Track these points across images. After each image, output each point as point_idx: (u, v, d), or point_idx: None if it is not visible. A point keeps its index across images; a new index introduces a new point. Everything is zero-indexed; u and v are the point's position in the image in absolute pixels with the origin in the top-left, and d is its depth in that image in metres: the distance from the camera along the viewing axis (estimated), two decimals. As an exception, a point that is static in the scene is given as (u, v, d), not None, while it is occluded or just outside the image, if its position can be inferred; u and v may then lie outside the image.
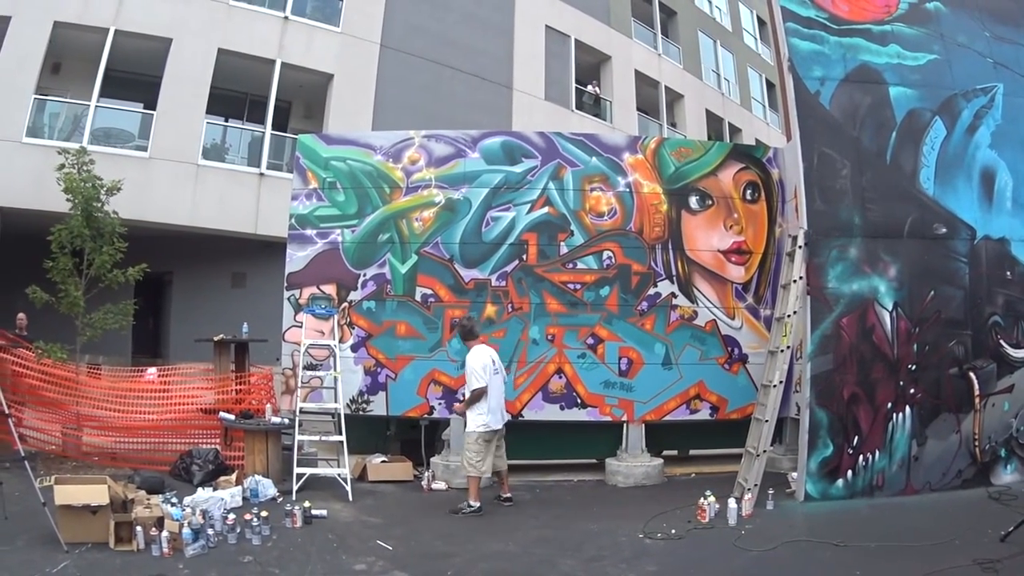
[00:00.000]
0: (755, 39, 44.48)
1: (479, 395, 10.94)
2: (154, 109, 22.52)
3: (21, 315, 15.95)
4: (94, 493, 8.86)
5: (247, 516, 9.41)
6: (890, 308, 11.84)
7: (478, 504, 10.81)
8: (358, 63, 25.71)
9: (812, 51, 12.27)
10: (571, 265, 13.30)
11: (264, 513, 9.51)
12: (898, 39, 12.49)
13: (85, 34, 21.58)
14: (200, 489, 10.94)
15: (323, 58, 25.19)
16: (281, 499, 11.16)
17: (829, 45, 12.33)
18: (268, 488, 11.45)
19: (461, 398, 12.30)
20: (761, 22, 43.11)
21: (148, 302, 20.02)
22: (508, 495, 11.51)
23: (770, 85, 42.37)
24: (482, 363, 11.10)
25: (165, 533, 8.61)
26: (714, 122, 38.04)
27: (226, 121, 25.33)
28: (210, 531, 8.99)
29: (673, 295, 13.37)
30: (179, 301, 24.56)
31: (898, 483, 11.66)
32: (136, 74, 23.09)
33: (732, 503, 10.49)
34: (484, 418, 11.00)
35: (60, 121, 22.42)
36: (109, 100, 22.69)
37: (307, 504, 10.17)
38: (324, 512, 10.41)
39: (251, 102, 25.59)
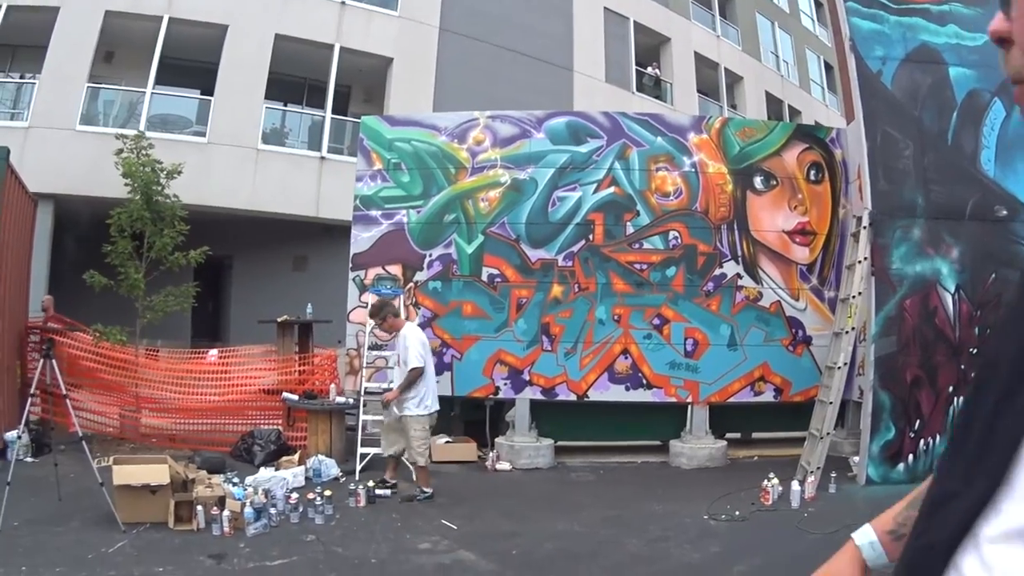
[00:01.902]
0: (812, 20, 43.97)
1: (416, 376, 10.61)
2: (211, 95, 22.69)
3: (46, 297, 16.15)
4: (155, 473, 8.97)
5: (310, 495, 9.52)
6: (952, 290, 11.74)
7: (431, 490, 10.63)
8: (417, 46, 25.71)
9: (872, 31, 12.13)
10: (637, 245, 13.28)
11: (327, 492, 9.62)
12: (956, 19, 12.30)
13: (138, 22, 21.72)
14: (262, 469, 11.09)
15: (382, 42, 25.20)
16: (344, 479, 11.26)
17: (889, 24, 12.19)
18: (331, 468, 11.56)
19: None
20: (818, 3, 42.55)
21: (208, 286, 20.15)
22: (395, 481, 11.07)
23: (828, 67, 41.88)
24: (421, 340, 10.89)
25: (226, 512, 8.70)
26: (773, 104, 37.69)
27: (285, 106, 25.42)
28: (272, 510, 9.12)
29: (738, 276, 13.34)
30: (239, 284, 24.75)
31: (958, 468, 11.55)
32: (192, 61, 23.19)
33: (795, 486, 10.49)
34: (428, 401, 10.79)
35: (115, 109, 22.66)
36: (165, 87, 22.86)
37: (371, 483, 10.29)
38: (387, 492, 10.52)
39: (310, 87, 25.66)
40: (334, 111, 24.64)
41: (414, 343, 10.61)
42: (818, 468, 11.10)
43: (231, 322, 24.37)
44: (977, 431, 1.13)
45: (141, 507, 8.81)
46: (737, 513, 9.87)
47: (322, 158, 23.86)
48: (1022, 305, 1.17)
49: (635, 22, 31.92)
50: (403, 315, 12.07)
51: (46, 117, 20.41)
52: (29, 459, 11.57)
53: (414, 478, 10.90)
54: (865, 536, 1.72)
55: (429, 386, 10.81)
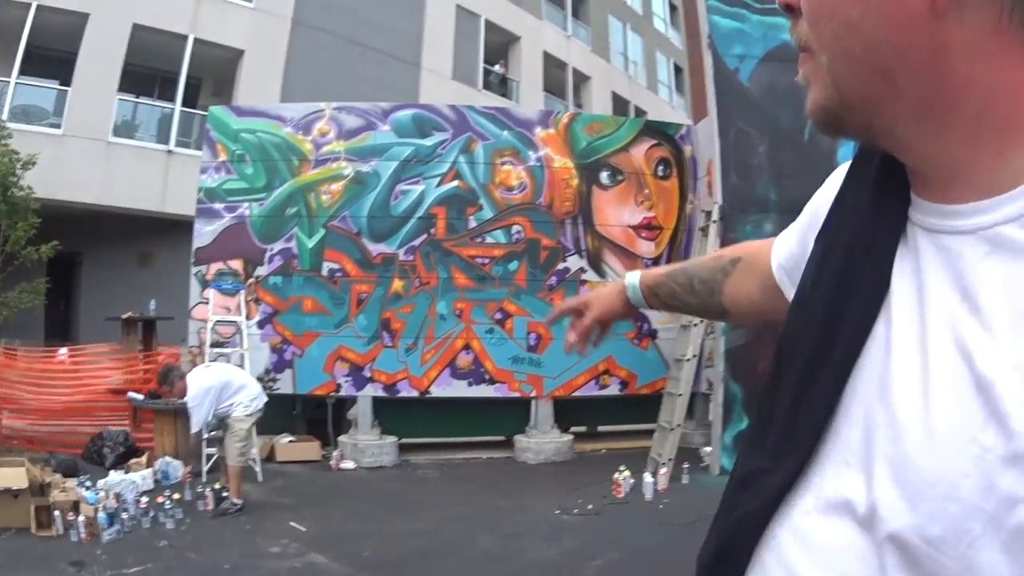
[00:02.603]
0: (665, 23, 44.70)
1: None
2: (70, 86, 21.95)
3: None
4: (13, 476, 8.70)
5: (160, 499, 9.22)
6: (809, 281, 11.87)
7: (241, 501, 9.93)
8: (269, 39, 25.25)
9: (733, 29, 12.23)
10: (479, 239, 13.21)
11: (176, 496, 9.40)
12: None
13: (6, 9, 20.90)
14: (112, 472, 10.68)
15: (235, 34, 24.66)
16: (192, 481, 10.88)
17: (751, 23, 12.29)
18: (178, 470, 11.17)
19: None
20: (672, 7, 43.30)
21: (59, 284, 19.60)
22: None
23: (678, 69, 42.58)
24: (200, 389, 9.81)
25: (81, 518, 8.42)
26: (620, 104, 38.11)
27: (137, 98, 24.72)
28: (124, 515, 8.83)
29: (582, 270, 13.36)
30: (89, 282, 23.98)
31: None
32: (55, 50, 22.34)
33: (648, 478, 10.50)
34: (245, 401, 10.08)
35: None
36: (28, 78, 22.06)
37: (218, 486, 9.95)
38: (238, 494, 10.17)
39: (162, 79, 24.94)
40: (184, 104, 24.07)
41: (190, 407, 9.75)
42: (670, 460, 11.16)
43: (81, 320, 23.66)
44: (783, 407, 1.06)
45: (5, 512, 8.55)
46: (590, 507, 9.82)
47: (169, 151, 23.30)
48: (822, 272, 1.08)
49: (486, 20, 32.00)
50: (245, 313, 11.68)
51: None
52: None
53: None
54: (632, 278, 1.99)
55: (242, 392, 10.10)
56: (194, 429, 9.98)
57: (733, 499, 1.13)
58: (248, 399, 10.00)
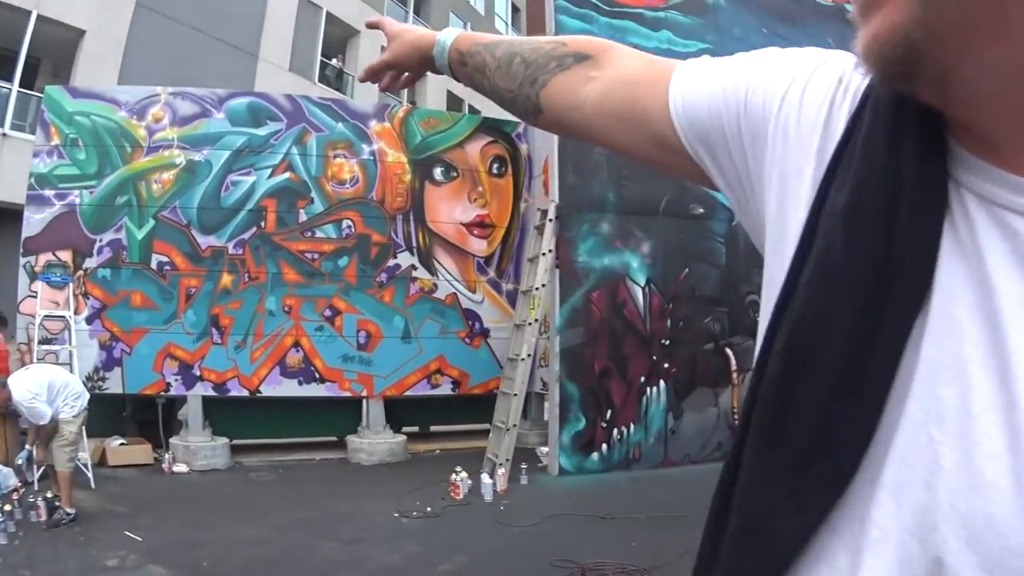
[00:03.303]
0: (507, 24, 44.92)
1: (52, 427, 9.43)
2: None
3: None
4: None
5: (-10, 511, 8.75)
6: (643, 284, 12.10)
7: (74, 510, 9.43)
8: (112, 20, 24.26)
9: (579, 30, 12.21)
10: (309, 234, 13.03)
11: (7, 507, 8.91)
12: (671, 26, 12.69)
13: None
14: (-62, 485, 10.09)
15: (79, 13, 23.64)
16: (24, 489, 10.33)
17: (598, 25, 12.34)
18: (8, 478, 10.52)
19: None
20: (515, 8, 43.55)
21: None
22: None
23: (517, 70, 42.84)
24: (27, 392, 9.15)
25: (-98, 536, 7.90)
26: (454, 102, 38.13)
27: (-28, 76, 23.68)
28: None
29: (413, 267, 13.32)
30: (-92, 274, 22.88)
31: (656, 456, 11.94)
32: None
33: (486, 478, 10.46)
34: (71, 401, 9.56)
35: None
36: None
37: (50, 494, 9.43)
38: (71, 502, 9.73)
39: (0, 57, 24.05)
40: (22, 84, 23.10)
41: (28, 405, 9.07)
42: (507, 460, 11.13)
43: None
44: (804, 425, 0.82)
45: None
46: (429, 509, 9.73)
47: (3, 135, 22.31)
48: (853, 240, 0.82)
49: (328, 12, 31.69)
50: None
51: None
52: None
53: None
54: (446, 36, 1.60)
55: (66, 395, 9.51)
56: (44, 421, 9.21)
57: (736, 556, 0.89)
58: (72, 399, 9.51)
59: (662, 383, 11.99)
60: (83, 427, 9.80)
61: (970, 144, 0.79)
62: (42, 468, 10.49)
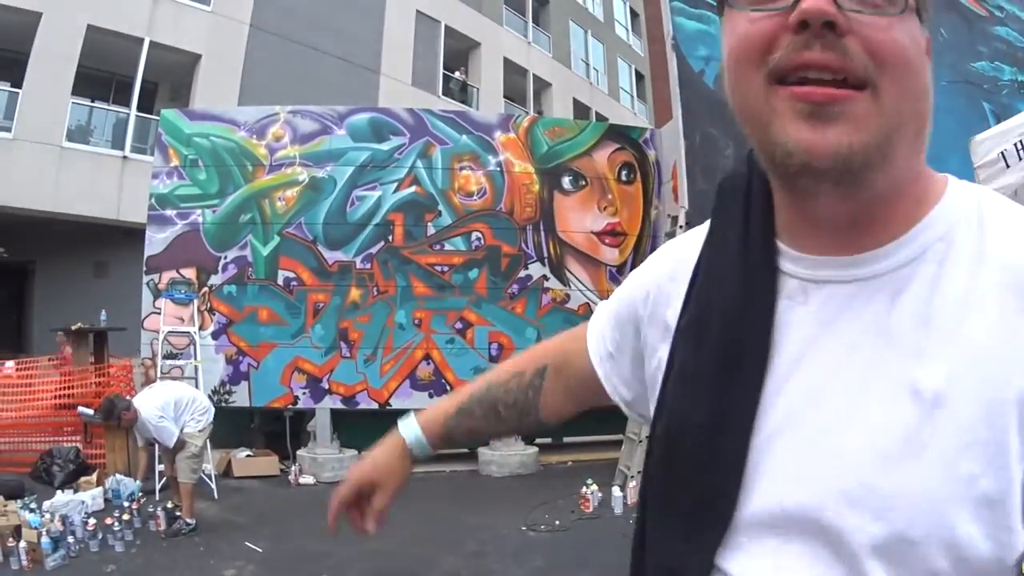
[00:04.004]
0: (627, 30, 44.76)
1: (182, 444, 9.43)
2: (21, 88, 21.42)
3: None
4: None
5: (108, 520, 8.81)
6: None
7: (194, 520, 9.49)
8: (227, 44, 24.89)
9: (698, 31, 12.13)
10: (438, 246, 12.98)
11: (126, 517, 8.94)
12: None
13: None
14: (60, 492, 10.18)
15: (192, 38, 24.25)
16: (145, 499, 10.39)
17: (715, 25, 11.99)
18: (130, 487, 10.77)
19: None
20: (634, 13, 43.33)
21: (11, 294, 19.06)
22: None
23: (639, 76, 42.60)
24: (157, 408, 9.33)
25: (23, 544, 7.98)
26: (581, 111, 38.05)
27: (92, 102, 24.22)
28: (70, 539, 8.42)
29: (544, 278, 13.16)
30: (42, 292, 23.45)
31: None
32: (6, 51, 21.84)
33: (616, 491, 10.24)
34: (197, 416, 9.65)
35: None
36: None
37: (171, 505, 9.55)
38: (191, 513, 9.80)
39: (118, 83, 24.50)
40: (140, 109, 23.61)
41: (156, 424, 9.21)
42: (639, 472, 10.82)
43: (34, 331, 23.09)
44: (687, 487, 1.14)
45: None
46: (557, 523, 9.54)
47: (125, 157, 22.83)
48: (701, 345, 1.17)
49: (446, 26, 31.86)
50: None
51: None
52: None
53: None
54: (410, 430, 1.79)
55: (192, 411, 9.61)
56: (171, 443, 9.32)
57: None
58: (199, 413, 9.61)
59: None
60: (208, 440, 9.90)
61: (788, 241, 1.12)
62: (164, 479, 10.57)
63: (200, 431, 9.50)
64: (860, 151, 0.97)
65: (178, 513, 9.28)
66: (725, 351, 1.11)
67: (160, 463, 10.73)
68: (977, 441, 0.94)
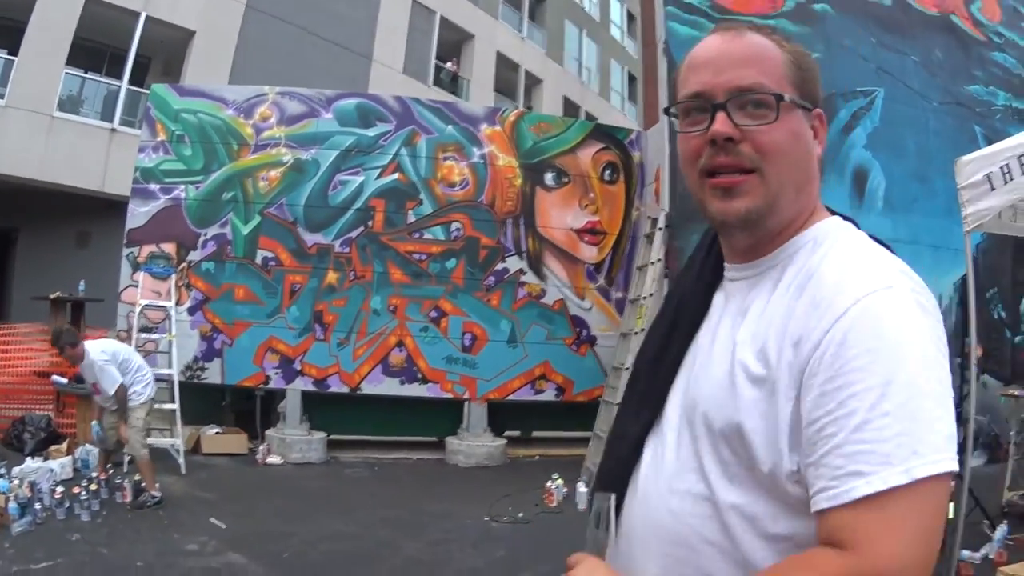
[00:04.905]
0: (622, 32, 44.75)
1: (124, 393, 9.38)
2: (16, 55, 21.29)
3: None
4: None
5: (76, 489, 8.86)
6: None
7: (160, 494, 9.47)
8: (221, 21, 24.76)
9: (691, 37, 12.13)
10: (417, 235, 13.02)
11: (93, 487, 8.99)
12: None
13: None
14: (30, 459, 10.19)
15: (188, 14, 24.10)
16: (113, 470, 10.38)
17: (707, 32, 12.13)
18: (95, 459, 10.76)
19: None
20: (631, 16, 43.35)
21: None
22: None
23: (631, 78, 42.64)
24: (105, 355, 9.35)
25: (-9, 507, 8.04)
26: (571, 109, 38.01)
27: (85, 73, 24.12)
28: (38, 505, 8.52)
29: (521, 271, 13.19)
30: (24, 259, 23.32)
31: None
32: (5, 18, 21.73)
33: (581, 487, 10.30)
34: (138, 387, 9.61)
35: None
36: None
37: (138, 477, 9.52)
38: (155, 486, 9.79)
39: (111, 55, 24.31)
40: (131, 82, 23.51)
41: (102, 364, 9.26)
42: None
43: (13, 299, 22.94)
44: (642, 385, 1.84)
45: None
46: (520, 515, 9.62)
47: (113, 130, 22.71)
48: (666, 307, 1.91)
49: (441, 16, 31.81)
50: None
51: None
52: None
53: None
54: None
55: (137, 377, 9.63)
56: (112, 390, 9.24)
57: (616, 443, 1.85)
58: (142, 384, 9.65)
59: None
60: (150, 415, 9.96)
61: (734, 258, 1.72)
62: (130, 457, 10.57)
63: (142, 404, 9.53)
64: (754, 212, 1.58)
65: (143, 486, 9.30)
66: (675, 315, 1.82)
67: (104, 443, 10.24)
68: (758, 377, 1.50)
